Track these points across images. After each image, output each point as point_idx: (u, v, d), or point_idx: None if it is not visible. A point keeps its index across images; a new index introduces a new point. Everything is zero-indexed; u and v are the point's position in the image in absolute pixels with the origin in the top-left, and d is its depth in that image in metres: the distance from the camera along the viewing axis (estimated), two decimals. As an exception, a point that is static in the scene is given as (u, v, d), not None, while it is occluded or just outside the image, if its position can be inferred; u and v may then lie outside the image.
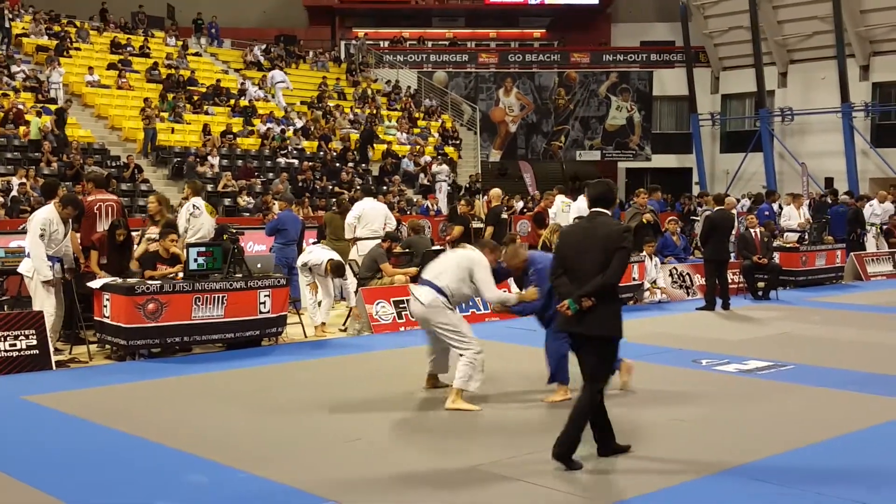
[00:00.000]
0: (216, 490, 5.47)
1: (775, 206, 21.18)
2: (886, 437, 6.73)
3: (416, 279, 13.10)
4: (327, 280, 11.63)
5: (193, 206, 11.66)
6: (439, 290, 7.49)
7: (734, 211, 17.87)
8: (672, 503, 5.29)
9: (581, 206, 15.21)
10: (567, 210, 15.42)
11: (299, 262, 11.86)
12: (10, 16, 27.21)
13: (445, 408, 7.36)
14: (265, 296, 10.13)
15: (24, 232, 10.86)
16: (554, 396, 7.71)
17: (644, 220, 14.78)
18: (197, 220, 11.49)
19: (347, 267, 12.66)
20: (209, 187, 21.54)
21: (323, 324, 11.61)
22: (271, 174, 24.40)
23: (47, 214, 9.49)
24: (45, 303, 9.37)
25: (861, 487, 5.54)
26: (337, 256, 11.72)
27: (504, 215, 14.90)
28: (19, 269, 9.67)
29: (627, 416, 7.19)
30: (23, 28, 27.90)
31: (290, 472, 5.75)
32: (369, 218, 13.19)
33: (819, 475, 5.79)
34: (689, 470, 5.84)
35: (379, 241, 12.81)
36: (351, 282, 12.78)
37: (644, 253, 14.32)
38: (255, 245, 15.60)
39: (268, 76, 30.87)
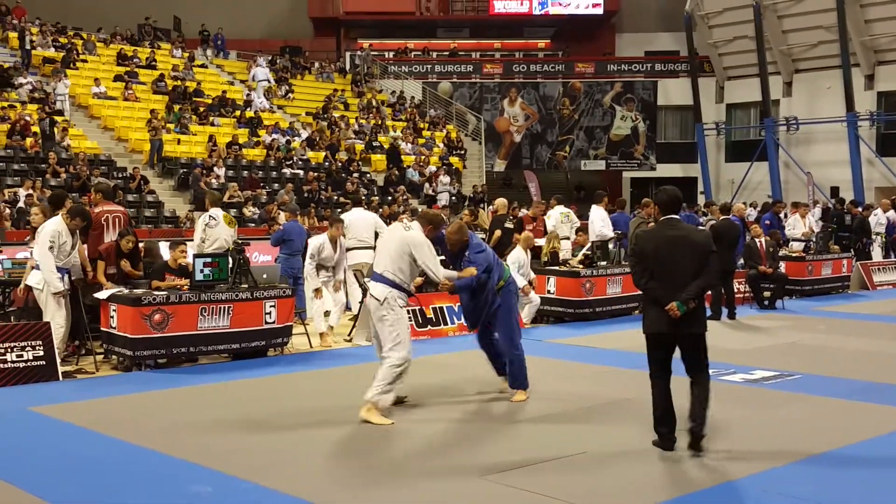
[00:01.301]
0: (221, 500, 5.49)
1: (782, 215, 21.12)
2: (892, 448, 6.71)
3: (420, 288, 13.13)
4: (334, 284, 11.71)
5: (210, 216, 11.66)
6: (392, 284, 7.44)
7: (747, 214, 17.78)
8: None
9: (602, 214, 15.21)
10: (566, 221, 15.40)
11: (308, 257, 11.79)
12: (31, 37, 27.08)
13: (360, 419, 7.25)
14: (271, 306, 10.16)
15: (28, 243, 10.89)
16: (519, 396, 8.13)
17: (649, 228, 14.76)
18: (213, 231, 11.49)
19: (352, 275, 12.67)
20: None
21: (331, 328, 11.56)
22: (277, 185, 24.46)
23: (56, 226, 9.50)
24: (56, 315, 9.37)
25: (868, 497, 5.54)
26: None
27: (509, 224, 14.87)
28: (28, 282, 9.65)
29: (632, 428, 7.19)
30: (30, 40, 28.00)
31: (295, 482, 5.76)
32: (357, 228, 13.12)
33: (825, 485, 5.78)
34: (693, 481, 5.83)
35: (369, 249, 12.80)
36: (356, 291, 12.77)
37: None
38: (261, 255, 15.64)
39: (251, 72, 31.12)
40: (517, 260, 12.97)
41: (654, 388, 6.49)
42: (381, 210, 21.75)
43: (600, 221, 15.03)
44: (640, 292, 14.42)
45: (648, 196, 17.61)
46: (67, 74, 25.88)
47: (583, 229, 15.16)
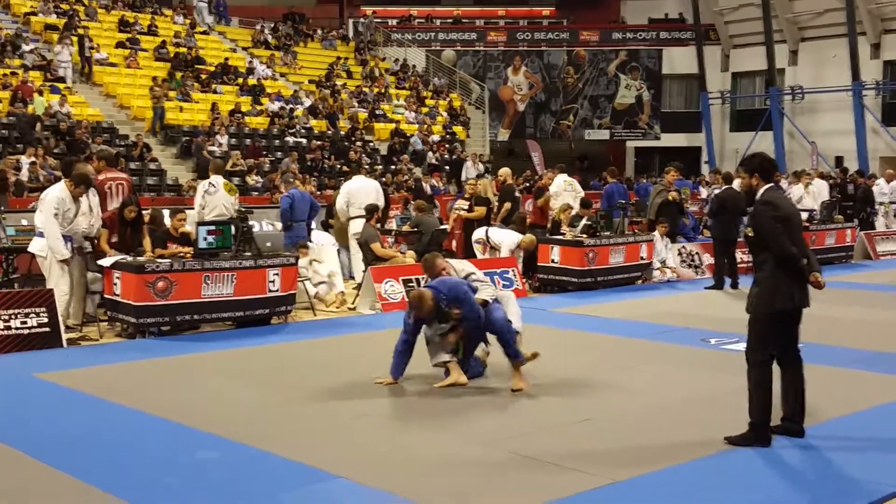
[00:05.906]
0: (227, 465, 5.52)
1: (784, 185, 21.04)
2: (894, 416, 6.73)
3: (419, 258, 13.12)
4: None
5: (210, 183, 11.64)
6: None
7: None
8: (680, 479, 5.32)
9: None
10: (570, 189, 15.33)
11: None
12: (91, 44, 26.61)
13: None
14: (274, 274, 10.16)
15: (32, 210, 10.89)
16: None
17: (670, 198, 14.76)
18: (212, 198, 11.47)
19: (355, 244, 12.70)
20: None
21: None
22: (280, 153, 24.41)
23: (60, 193, 9.47)
24: (60, 282, 9.37)
25: (871, 465, 5.56)
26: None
27: (518, 193, 14.85)
28: (30, 249, 9.65)
29: (636, 396, 7.23)
30: (31, 6, 27.85)
31: (297, 447, 5.79)
32: (358, 196, 13.03)
33: (827, 453, 5.80)
34: (695, 449, 5.85)
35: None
36: (358, 261, 12.77)
37: (656, 233, 14.32)
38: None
39: None
40: (510, 244, 13.04)
41: (767, 373, 5.93)
42: (384, 178, 21.74)
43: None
44: (644, 262, 14.46)
45: (653, 166, 17.52)
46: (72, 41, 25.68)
47: (588, 202, 15.11)
